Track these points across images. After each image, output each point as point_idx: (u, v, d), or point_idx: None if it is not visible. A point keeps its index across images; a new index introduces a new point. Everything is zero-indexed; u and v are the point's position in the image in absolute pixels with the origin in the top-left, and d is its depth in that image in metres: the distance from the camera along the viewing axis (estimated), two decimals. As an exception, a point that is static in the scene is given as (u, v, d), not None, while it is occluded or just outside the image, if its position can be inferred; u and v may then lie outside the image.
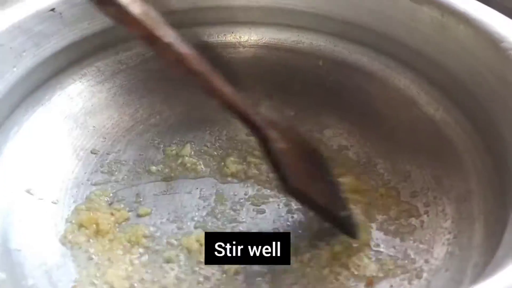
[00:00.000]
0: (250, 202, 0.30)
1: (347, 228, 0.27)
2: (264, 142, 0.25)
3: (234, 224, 0.28)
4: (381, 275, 0.26)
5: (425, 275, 0.25)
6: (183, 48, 0.23)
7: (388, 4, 0.33)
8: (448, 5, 0.30)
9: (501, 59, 0.26)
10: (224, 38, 0.38)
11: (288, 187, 0.25)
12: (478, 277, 0.21)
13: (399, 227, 0.28)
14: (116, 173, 0.32)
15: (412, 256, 0.26)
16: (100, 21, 0.33)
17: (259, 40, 0.38)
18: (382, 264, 0.26)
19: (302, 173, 0.25)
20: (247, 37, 0.38)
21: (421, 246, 0.27)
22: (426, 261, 0.26)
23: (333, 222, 0.27)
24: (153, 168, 0.32)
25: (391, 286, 0.25)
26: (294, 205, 0.29)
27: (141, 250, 0.27)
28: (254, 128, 0.25)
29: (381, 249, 0.27)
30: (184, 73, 0.24)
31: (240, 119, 0.25)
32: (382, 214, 0.29)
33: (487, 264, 0.21)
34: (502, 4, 0.44)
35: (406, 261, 0.26)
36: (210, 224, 0.29)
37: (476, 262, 0.24)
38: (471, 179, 0.28)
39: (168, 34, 0.23)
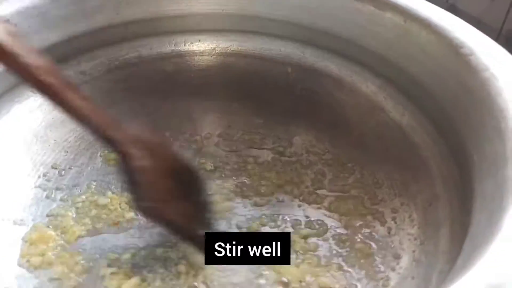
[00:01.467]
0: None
1: (198, 246, 0.26)
2: (122, 159, 0.24)
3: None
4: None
5: (392, 283, 0.25)
6: (33, 59, 0.22)
7: (352, 10, 0.33)
8: (410, 11, 0.30)
9: (461, 65, 0.26)
10: (191, 46, 0.37)
11: (139, 205, 0.24)
12: (441, 284, 0.21)
13: (366, 234, 0.28)
14: (79, 188, 0.31)
15: (379, 265, 0.26)
16: (57, 33, 0.32)
17: (227, 47, 0.37)
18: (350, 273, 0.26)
19: (161, 191, 0.25)
20: (214, 45, 0.37)
21: (388, 254, 0.27)
22: (393, 269, 0.26)
23: (186, 240, 0.26)
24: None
25: (358, 296, 0.25)
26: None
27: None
28: (111, 143, 0.24)
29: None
30: (33, 84, 0.23)
31: (96, 134, 0.24)
32: (350, 221, 0.29)
33: (451, 271, 0.21)
34: (467, 13, 0.45)
35: (374, 270, 0.26)
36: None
37: (441, 269, 0.23)
38: (437, 184, 0.28)
39: (21, 48, 0.22)
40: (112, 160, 0.33)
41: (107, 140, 0.24)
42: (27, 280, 0.25)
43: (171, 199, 0.25)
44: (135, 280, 0.25)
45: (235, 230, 0.29)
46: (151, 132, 0.26)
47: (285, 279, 0.26)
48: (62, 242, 0.27)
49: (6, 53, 0.21)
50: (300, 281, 0.26)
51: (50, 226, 0.28)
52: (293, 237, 0.28)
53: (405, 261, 0.26)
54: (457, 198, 0.26)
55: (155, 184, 0.24)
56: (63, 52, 0.34)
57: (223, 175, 0.32)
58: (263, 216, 0.29)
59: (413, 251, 0.26)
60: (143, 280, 0.25)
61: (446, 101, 0.28)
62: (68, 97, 0.23)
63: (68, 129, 0.33)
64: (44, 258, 0.26)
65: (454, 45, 0.27)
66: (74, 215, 0.29)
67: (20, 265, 0.26)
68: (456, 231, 0.25)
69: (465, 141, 0.25)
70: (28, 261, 0.26)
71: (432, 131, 0.29)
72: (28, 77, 0.22)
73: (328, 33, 0.34)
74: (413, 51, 0.30)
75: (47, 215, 0.29)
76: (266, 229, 0.29)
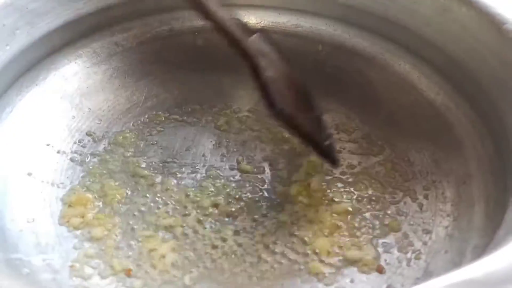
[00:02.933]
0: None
1: (328, 155, 0.29)
2: (254, 69, 0.26)
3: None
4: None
5: (423, 256, 0.25)
6: None
7: (389, -14, 0.32)
8: (450, -13, 0.29)
9: (503, 41, 0.26)
10: (222, 21, 0.37)
11: (276, 110, 0.26)
12: (477, 258, 0.21)
13: (398, 210, 0.28)
14: (112, 154, 0.31)
15: (411, 238, 0.26)
16: (95, 1, 0.32)
17: (257, 23, 0.37)
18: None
19: (290, 100, 0.27)
20: (245, 20, 0.37)
21: (419, 228, 0.27)
22: (425, 243, 0.26)
23: (316, 149, 0.29)
24: (151, 151, 0.32)
25: (388, 264, 0.25)
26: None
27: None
28: (244, 54, 0.26)
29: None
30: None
31: (231, 43, 0.26)
32: (382, 198, 0.29)
33: (487, 246, 0.21)
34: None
35: (405, 243, 0.26)
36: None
37: (476, 244, 0.24)
38: (471, 163, 0.28)
39: None
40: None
41: (242, 51, 0.26)
42: (67, 238, 0.26)
43: (299, 108, 0.27)
44: (171, 243, 0.26)
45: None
46: (273, 47, 0.28)
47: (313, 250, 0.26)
48: (100, 205, 0.28)
49: None
50: (329, 252, 0.26)
51: (88, 190, 0.29)
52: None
53: (437, 235, 0.26)
54: (492, 175, 0.26)
55: (286, 93, 0.27)
56: (97, 22, 0.34)
57: (254, 147, 0.32)
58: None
59: (446, 227, 0.26)
60: (179, 244, 0.26)
61: (484, 79, 0.28)
62: (211, 6, 0.26)
63: (102, 98, 0.34)
64: (84, 219, 0.27)
65: (497, 21, 0.26)
66: (109, 181, 0.29)
67: (60, 224, 0.27)
68: (491, 208, 0.25)
69: (505, 117, 0.25)
70: (68, 221, 0.27)
71: (468, 110, 0.29)
72: None
73: (362, 10, 0.34)
74: (451, 28, 0.30)
75: (83, 179, 0.29)
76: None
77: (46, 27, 0.31)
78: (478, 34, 0.28)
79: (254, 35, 0.27)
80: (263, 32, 0.28)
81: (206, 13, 0.26)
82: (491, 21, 0.27)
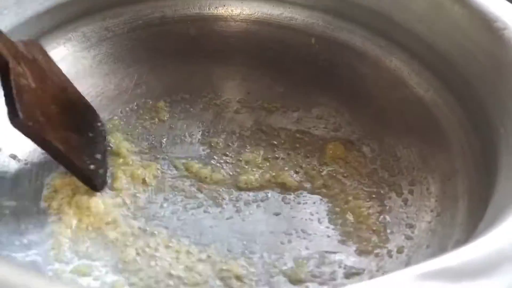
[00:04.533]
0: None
1: (87, 180, 0.27)
2: (3, 71, 0.23)
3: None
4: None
5: (406, 250, 0.25)
6: None
7: (383, -19, 0.32)
8: (443, -16, 0.29)
9: (494, 40, 0.26)
10: (215, 10, 0.37)
11: (16, 120, 0.24)
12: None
13: (383, 204, 0.28)
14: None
15: (394, 233, 0.26)
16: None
17: (251, 14, 0.37)
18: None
19: (46, 115, 0.25)
20: (239, 11, 0.37)
21: (403, 223, 0.27)
22: (408, 238, 0.26)
23: (74, 172, 0.27)
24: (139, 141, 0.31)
25: (372, 260, 0.25)
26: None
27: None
28: None
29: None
30: None
31: None
32: (367, 191, 0.29)
33: (468, 241, 0.21)
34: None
35: (388, 237, 0.26)
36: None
37: (458, 239, 0.24)
38: (457, 159, 0.28)
39: None
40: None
41: None
42: (48, 222, 0.26)
43: (64, 127, 0.26)
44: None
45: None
46: (46, 56, 0.26)
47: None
48: (84, 189, 0.27)
49: None
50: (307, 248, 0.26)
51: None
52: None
53: (420, 230, 0.26)
54: (476, 172, 0.26)
55: (42, 105, 0.25)
56: (88, 6, 0.34)
57: (240, 141, 0.32)
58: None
59: (429, 222, 0.26)
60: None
61: (473, 77, 0.28)
62: None
63: (91, 84, 0.33)
64: (67, 202, 0.27)
65: (488, 19, 0.26)
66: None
67: (42, 208, 0.26)
68: (475, 204, 0.25)
69: (492, 115, 0.25)
70: (49, 205, 0.27)
71: (456, 107, 0.29)
72: None
73: (355, 4, 0.34)
74: (443, 26, 0.30)
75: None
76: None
77: (35, 9, 0.30)
78: (469, 31, 0.28)
79: (28, 41, 0.25)
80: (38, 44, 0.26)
81: None
82: (483, 19, 0.27)
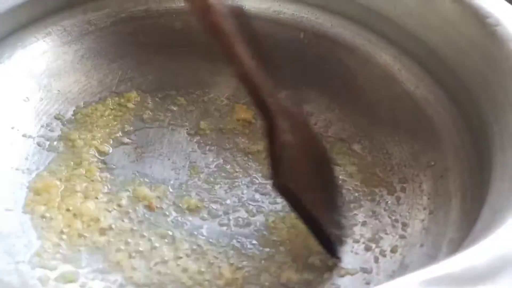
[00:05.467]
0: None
1: (328, 245, 0.24)
2: (270, 129, 0.22)
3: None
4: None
5: (399, 249, 0.25)
6: None
7: (372, -25, 0.32)
8: (434, -21, 0.29)
9: (486, 35, 0.26)
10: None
11: (278, 182, 0.22)
12: (453, 252, 0.21)
13: (375, 202, 0.28)
14: (82, 140, 0.30)
15: (387, 232, 0.26)
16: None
17: (238, 8, 0.36)
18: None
19: (301, 174, 0.23)
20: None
21: (396, 221, 0.27)
22: (401, 236, 0.26)
23: (318, 236, 0.24)
24: (124, 138, 0.30)
25: (366, 260, 0.25)
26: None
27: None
28: (263, 110, 0.23)
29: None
30: (207, 27, 0.22)
31: (251, 95, 0.23)
32: (359, 189, 0.29)
33: (462, 240, 0.21)
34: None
35: (381, 236, 0.26)
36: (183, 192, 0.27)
37: (451, 238, 0.24)
38: (448, 157, 0.28)
39: None
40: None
41: (261, 104, 0.23)
42: (31, 227, 0.25)
43: (309, 186, 0.24)
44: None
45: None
46: (298, 108, 0.25)
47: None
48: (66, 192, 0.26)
49: None
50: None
51: (55, 176, 0.27)
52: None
53: (413, 229, 0.26)
54: (469, 170, 0.26)
55: (298, 164, 0.23)
56: (69, -1, 0.32)
57: (229, 137, 0.32)
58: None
59: (422, 220, 0.26)
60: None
61: (465, 73, 0.27)
62: (240, 51, 0.22)
63: (73, 80, 0.32)
64: (49, 207, 0.26)
65: (480, 14, 0.26)
66: (77, 167, 0.28)
67: (24, 212, 0.25)
68: (468, 202, 0.25)
69: (484, 112, 0.25)
70: (32, 209, 0.25)
71: (447, 104, 0.29)
72: (204, 15, 0.22)
73: (345, -2, 0.33)
74: (434, 21, 0.29)
75: (50, 164, 0.28)
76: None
77: (11, 1, 0.29)
78: (461, 27, 0.28)
79: (283, 93, 0.24)
80: (293, 92, 0.25)
81: (231, 56, 0.23)
82: (474, 14, 0.27)
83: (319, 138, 0.27)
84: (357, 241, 0.26)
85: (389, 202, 0.28)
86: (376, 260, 0.25)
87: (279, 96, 0.23)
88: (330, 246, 0.24)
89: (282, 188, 0.23)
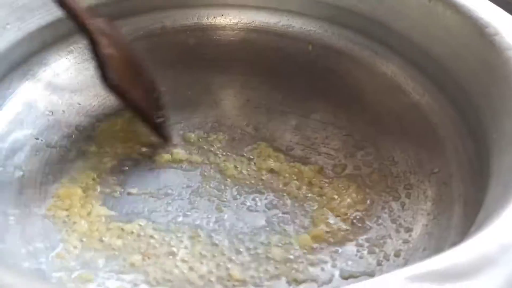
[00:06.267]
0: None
1: (160, 131, 0.32)
2: (93, 45, 0.28)
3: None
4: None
5: (403, 254, 0.26)
6: None
7: (377, -12, 0.33)
8: (436, -9, 0.30)
9: (485, 45, 0.26)
10: (213, 20, 0.38)
11: (108, 83, 0.29)
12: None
13: (380, 208, 0.28)
14: (103, 149, 0.32)
15: (392, 236, 0.27)
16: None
17: (249, 23, 0.38)
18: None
19: (125, 76, 0.30)
20: (237, 20, 0.38)
21: (400, 226, 0.27)
22: (405, 241, 0.26)
23: (148, 124, 0.32)
24: (141, 149, 0.32)
25: (369, 264, 0.26)
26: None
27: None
28: (84, 31, 0.29)
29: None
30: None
31: (73, 20, 0.28)
32: (365, 196, 0.29)
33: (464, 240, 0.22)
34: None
35: (385, 241, 0.27)
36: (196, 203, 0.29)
37: (454, 242, 0.24)
38: (452, 164, 0.28)
39: None
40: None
41: (83, 27, 0.28)
42: (53, 231, 0.26)
43: (133, 85, 0.30)
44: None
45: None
46: (116, 30, 0.31)
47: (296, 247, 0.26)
48: (87, 198, 0.28)
49: None
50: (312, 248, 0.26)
51: (76, 184, 0.29)
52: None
53: (417, 234, 0.26)
54: (471, 176, 0.26)
55: (121, 69, 0.30)
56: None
57: (240, 147, 0.33)
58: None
59: (426, 225, 0.27)
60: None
61: (466, 81, 0.28)
62: None
63: (93, 94, 0.34)
64: (70, 212, 0.27)
65: (479, 25, 0.27)
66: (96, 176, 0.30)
67: (47, 216, 0.27)
68: (470, 206, 0.25)
69: (485, 120, 0.26)
70: (54, 214, 0.27)
71: (451, 112, 0.30)
72: None
73: (351, 12, 0.35)
74: (436, 31, 0.30)
75: (72, 173, 0.30)
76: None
77: (37, 23, 0.31)
78: (462, 37, 0.28)
79: (100, 19, 0.30)
80: (109, 19, 0.30)
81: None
82: (474, 24, 0.27)
83: (135, 51, 0.32)
84: (361, 245, 0.27)
85: (394, 207, 0.28)
86: (380, 263, 0.26)
87: (99, 22, 0.29)
88: (160, 130, 0.32)
89: (112, 87, 0.29)
